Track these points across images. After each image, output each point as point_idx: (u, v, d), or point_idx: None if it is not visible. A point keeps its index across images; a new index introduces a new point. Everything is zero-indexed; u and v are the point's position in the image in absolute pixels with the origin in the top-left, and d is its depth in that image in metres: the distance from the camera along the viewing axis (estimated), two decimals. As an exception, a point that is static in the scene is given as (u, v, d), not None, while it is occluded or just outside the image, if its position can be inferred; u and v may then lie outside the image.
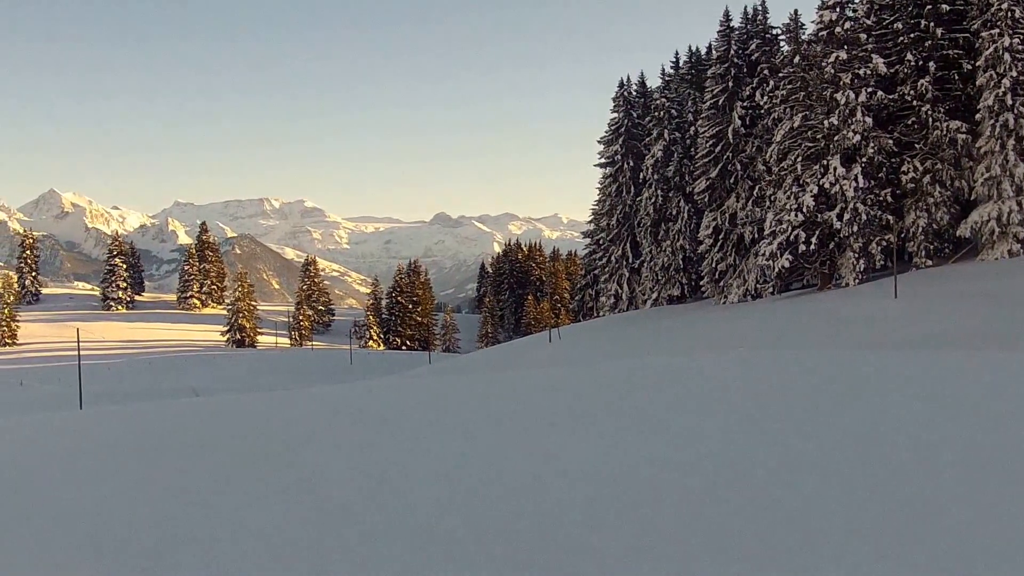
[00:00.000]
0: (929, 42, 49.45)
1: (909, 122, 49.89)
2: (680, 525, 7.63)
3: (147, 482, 11.61)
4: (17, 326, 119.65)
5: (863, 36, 49.90)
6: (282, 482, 10.59)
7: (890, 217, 49.73)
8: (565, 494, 8.91)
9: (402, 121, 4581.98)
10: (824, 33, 50.94)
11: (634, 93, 76.31)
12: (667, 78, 73.10)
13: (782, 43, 58.94)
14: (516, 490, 9.13)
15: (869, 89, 49.01)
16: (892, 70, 50.16)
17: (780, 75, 55.40)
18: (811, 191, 50.04)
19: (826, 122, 49.71)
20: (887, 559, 6.38)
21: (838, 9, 50.58)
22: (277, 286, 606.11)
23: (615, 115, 75.91)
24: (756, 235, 58.23)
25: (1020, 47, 46.26)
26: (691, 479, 9.01)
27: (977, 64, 47.86)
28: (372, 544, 7.81)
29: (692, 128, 66.53)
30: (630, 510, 8.09)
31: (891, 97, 50.11)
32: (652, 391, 16.42)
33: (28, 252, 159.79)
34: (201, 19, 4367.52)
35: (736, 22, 61.81)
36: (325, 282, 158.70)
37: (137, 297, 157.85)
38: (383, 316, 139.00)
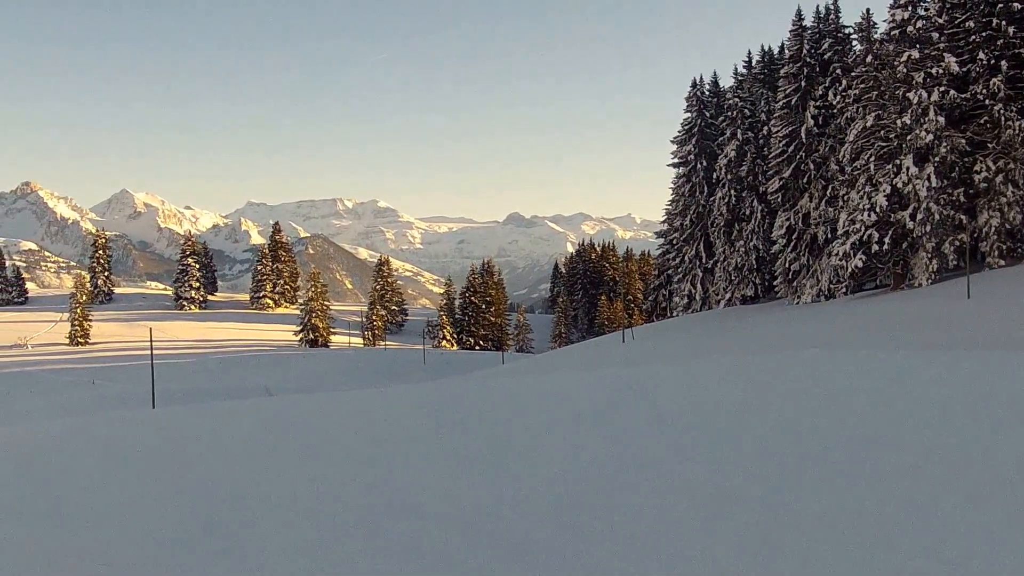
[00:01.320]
0: (1001, 40, 49.14)
1: (981, 121, 49.53)
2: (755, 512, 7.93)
3: (219, 480, 12.12)
4: (90, 325, 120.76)
5: (935, 35, 49.63)
6: (356, 480, 10.93)
7: (963, 217, 49.39)
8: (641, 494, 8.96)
9: (476, 121, 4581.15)
10: (896, 32, 50.76)
11: (707, 93, 76.26)
12: (740, 78, 73.04)
13: (854, 42, 58.67)
14: (607, 492, 9.14)
15: (941, 88, 48.74)
16: (964, 69, 49.84)
17: (852, 74, 55.21)
18: (884, 191, 49.90)
19: (899, 121, 49.54)
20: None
21: (910, 8, 50.37)
22: (350, 286, 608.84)
23: (688, 115, 75.93)
24: (829, 235, 58.06)
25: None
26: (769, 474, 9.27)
27: (1051, 62, 47.61)
28: (449, 544, 7.92)
29: (765, 128, 66.40)
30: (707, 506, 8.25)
31: (963, 96, 49.78)
32: (732, 391, 16.41)
33: (100, 252, 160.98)
34: (275, 22, 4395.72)
35: (808, 21, 61.70)
36: (398, 282, 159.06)
37: (210, 297, 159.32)
38: (456, 316, 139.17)
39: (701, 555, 7.08)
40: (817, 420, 12.20)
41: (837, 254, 52.88)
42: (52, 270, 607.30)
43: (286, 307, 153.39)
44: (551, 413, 16.01)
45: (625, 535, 7.72)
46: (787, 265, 61.28)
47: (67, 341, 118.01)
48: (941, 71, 48.86)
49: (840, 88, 57.31)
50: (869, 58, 52.62)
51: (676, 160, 76.93)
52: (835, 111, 57.96)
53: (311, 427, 17.82)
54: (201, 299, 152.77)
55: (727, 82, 75.51)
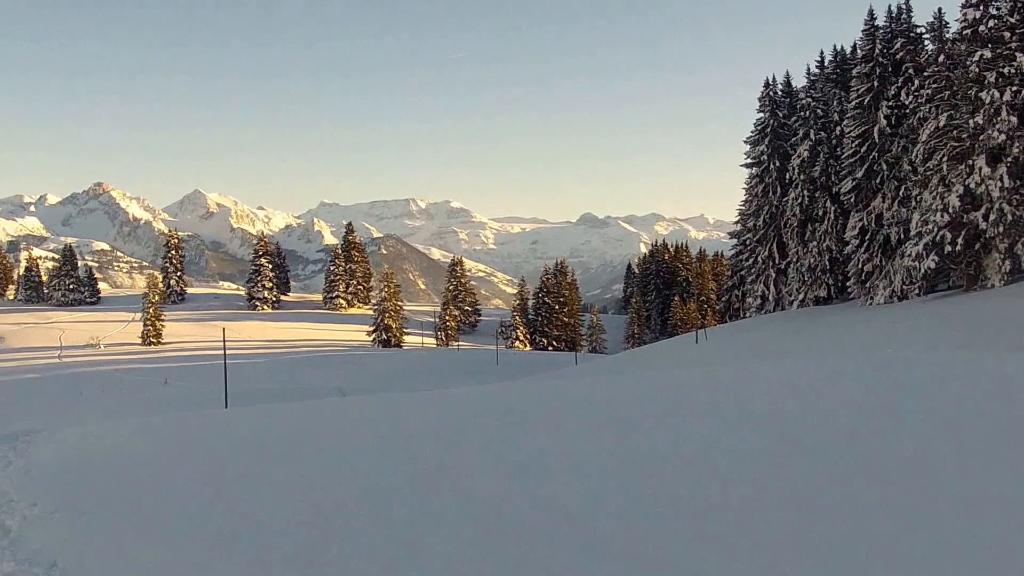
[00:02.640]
0: (1074, 38, 48.89)
1: (1055, 120, 49.28)
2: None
3: (291, 478, 12.61)
4: (162, 325, 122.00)
5: (1007, 34, 49.36)
6: (428, 481, 11.19)
7: (1036, 217, 49.14)
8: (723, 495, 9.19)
9: (548, 122, 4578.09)
10: (968, 32, 50.51)
11: (779, 93, 76.01)
12: (812, 78, 72.73)
13: (926, 42, 58.45)
14: (672, 494, 9.29)
15: (1014, 88, 48.49)
16: (1038, 68, 49.59)
17: (925, 74, 55.05)
18: (957, 191, 49.71)
19: (971, 121, 49.32)
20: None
21: (981, 7, 50.11)
22: (423, 286, 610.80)
23: (761, 115, 75.76)
24: (902, 236, 57.79)
25: None
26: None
27: None
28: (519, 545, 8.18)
29: (838, 128, 66.16)
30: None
31: (1037, 96, 49.53)
32: (808, 392, 16.40)
33: (173, 252, 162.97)
34: (347, 20, 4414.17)
35: (880, 21, 61.46)
36: (471, 282, 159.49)
37: (283, 297, 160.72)
38: (529, 317, 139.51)
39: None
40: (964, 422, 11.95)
41: (910, 255, 52.74)
42: (124, 270, 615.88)
43: (359, 307, 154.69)
44: (618, 413, 16.20)
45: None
46: (860, 266, 61.07)
47: (139, 341, 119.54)
48: (1013, 71, 48.61)
49: (912, 88, 57.13)
50: (941, 58, 52.44)
51: (749, 160, 76.77)
52: (908, 111, 57.73)
53: (384, 427, 18.28)
54: (274, 299, 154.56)
55: (799, 82, 75.25)
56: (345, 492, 11.46)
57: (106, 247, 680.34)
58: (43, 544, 10.37)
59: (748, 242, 78.02)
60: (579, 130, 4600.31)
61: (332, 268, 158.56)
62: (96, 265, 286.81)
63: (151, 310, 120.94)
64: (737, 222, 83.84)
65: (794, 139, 70.48)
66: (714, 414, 14.74)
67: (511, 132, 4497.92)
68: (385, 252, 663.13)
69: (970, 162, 49.61)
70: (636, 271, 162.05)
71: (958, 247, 50.14)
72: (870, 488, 9.11)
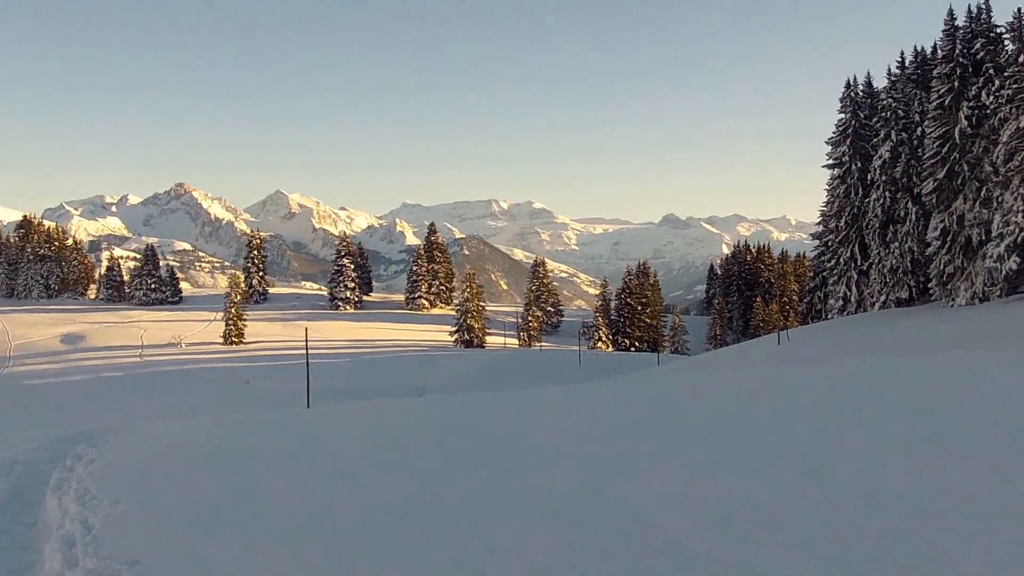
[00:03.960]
0: None
1: None
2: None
3: (370, 477, 12.96)
4: (244, 325, 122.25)
5: (1090, 35, 49.21)
6: (510, 481, 11.45)
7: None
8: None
9: (629, 121, 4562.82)
10: (1049, 32, 50.41)
11: (860, 93, 75.79)
12: (893, 78, 72.43)
13: (1006, 42, 58.18)
14: (757, 498, 9.31)
15: (1095, 88, 48.31)
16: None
17: (1005, 74, 54.87)
18: (1038, 192, 49.57)
19: (1053, 122, 49.21)
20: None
21: (1062, 7, 50.01)
22: (505, 287, 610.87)
23: (842, 116, 75.57)
24: (984, 237, 57.55)
25: None
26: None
27: None
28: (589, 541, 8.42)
29: (919, 129, 65.95)
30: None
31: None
32: (888, 393, 16.74)
33: (255, 252, 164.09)
34: (425, 16, 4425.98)
35: (960, 21, 61.21)
36: (554, 283, 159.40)
37: (365, 297, 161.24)
38: (612, 317, 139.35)
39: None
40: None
41: (991, 256, 52.61)
42: (206, 270, 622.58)
43: (441, 307, 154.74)
44: (702, 413, 16.57)
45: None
46: (941, 267, 60.80)
47: (221, 340, 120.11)
48: (1095, 71, 48.43)
49: (993, 88, 56.89)
50: (1021, 58, 52.28)
51: (831, 161, 76.57)
52: (988, 112, 57.48)
53: (466, 427, 18.54)
54: (356, 299, 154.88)
55: (880, 82, 75.01)
56: (426, 490, 11.56)
57: (188, 247, 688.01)
58: (126, 541, 10.50)
59: (830, 243, 77.80)
60: (660, 128, 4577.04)
61: (414, 268, 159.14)
62: (178, 265, 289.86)
63: (233, 310, 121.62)
64: (819, 223, 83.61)
65: (875, 140, 70.23)
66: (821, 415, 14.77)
67: (592, 130, 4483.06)
68: (467, 253, 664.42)
69: (1051, 163, 49.45)
70: (718, 272, 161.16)
71: (1040, 248, 50.00)
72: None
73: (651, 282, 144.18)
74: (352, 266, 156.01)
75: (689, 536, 8.22)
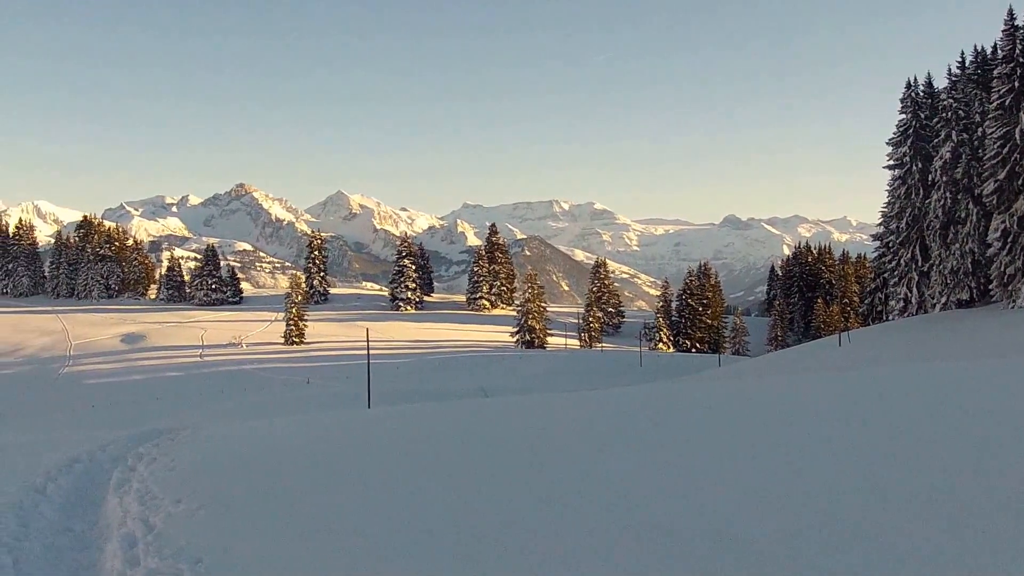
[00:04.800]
0: None
1: None
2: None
3: (437, 477, 12.80)
4: (305, 325, 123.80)
5: None
6: (576, 485, 11.13)
7: None
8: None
9: (691, 121, 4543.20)
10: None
11: (921, 94, 75.61)
12: (953, 78, 72.21)
13: (1066, 42, 57.98)
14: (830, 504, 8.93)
15: None
16: None
17: (1066, 75, 54.74)
18: (1099, 193, 49.43)
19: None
20: None
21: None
22: (566, 288, 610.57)
23: (903, 116, 75.41)
24: (1045, 238, 57.40)
25: None
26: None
27: None
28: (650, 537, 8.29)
29: (980, 129, 65.77)
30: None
31: None
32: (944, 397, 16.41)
33: (316, 253, 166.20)
34: (484, 16, 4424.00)
35: (1020, 20, 60.97)
36: (615, 284, 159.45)
37: (426, 298, 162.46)
38: (673, 318, 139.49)
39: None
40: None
41: (1052, 257, 52.50)
42: (267, 270, 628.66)
43: (503, 308, 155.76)
44: (775, 416, 16.36)
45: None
46: (1002, 269, 60.60)
47: (282, 341, 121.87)
48: None
49: (1053, 89, 56.73)
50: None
51: (891, 162, 76.40)
52: (1049, 112, 57.31)
53: (529, 429, 18.15)
54: (417, 300, 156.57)
55: (941, 83, 74.82)
56: (493, 493, 11.37)
57: (248, 247, 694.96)
58: (187, 541, 10.45)
59: (891, 244, 77.56)
60: (720, 129, 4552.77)
61: (475, 269, 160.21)
62: (238, 265, 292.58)
63: (294, 310, 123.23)
64: (880, 224, 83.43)
65: (936, 141, 70.04)
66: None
67: (653, 130, 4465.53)
68: (528, 253, 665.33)
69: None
70: (779, 273, 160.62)
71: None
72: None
73: (712, 283, 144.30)
74: (413, 267, 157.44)
75: (771, 540, 8.00)
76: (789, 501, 9.13)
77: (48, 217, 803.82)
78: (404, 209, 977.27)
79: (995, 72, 62.32)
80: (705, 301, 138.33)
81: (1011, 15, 61.15)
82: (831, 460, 11.19)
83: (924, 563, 6.91)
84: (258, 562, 9.31)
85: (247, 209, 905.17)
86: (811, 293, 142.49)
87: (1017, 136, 58.83)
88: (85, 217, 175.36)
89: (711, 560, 7.57)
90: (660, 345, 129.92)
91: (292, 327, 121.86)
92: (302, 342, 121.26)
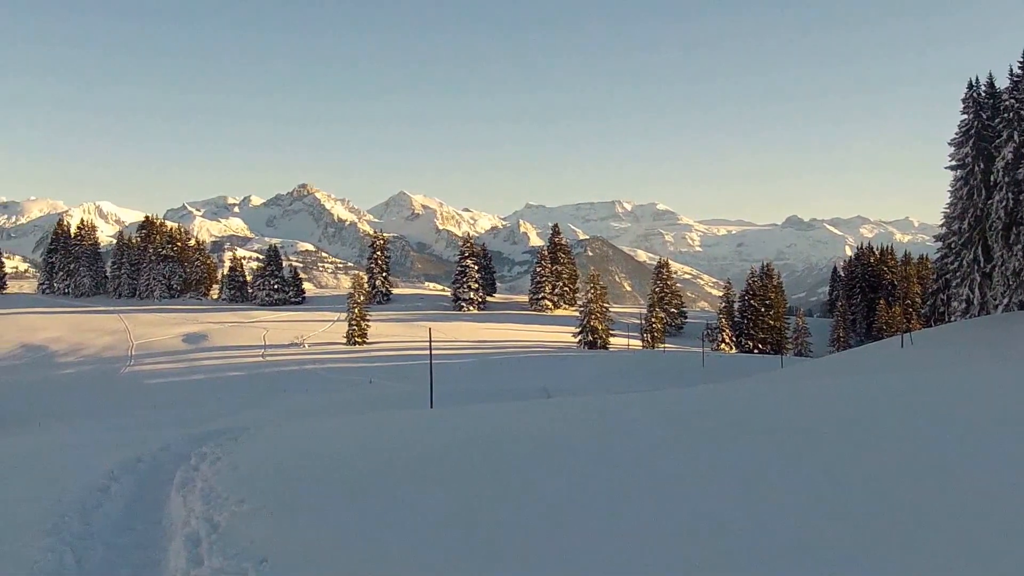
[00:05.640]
0: None
1: None
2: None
3: (501, 477, 13.09)
4: (367, 325, 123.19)
5: None
6: (639, 486, 11.45)
7: None
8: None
9: (753, 121, 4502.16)
10: None
11: (983, 94, 75.54)
12: (1015, 79, 71.94)
13: None
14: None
15: None
16: None
17: None
18: None
19: None
20: None
21: None
22: (629, 288, 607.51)
23: (964, 117, 75.28)
24: (1106, 239, 57.48)
25: None
26: None
27: None
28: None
29: (1042, 130, 65.74)
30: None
31: None
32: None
33: (379, 253, 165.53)
34: (546, 16, 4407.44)
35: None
36: (677, 284, 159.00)
37: (488, 298, 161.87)
38: (735, 319, 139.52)
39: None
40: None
41: (1113, 258, 52.72)
42: (329, 270, 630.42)
43: (565, 308, 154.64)
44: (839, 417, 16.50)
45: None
46: (1064, 270, 60.68)
47: (344, 341, 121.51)
48: None
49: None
50: None
51: (953, 163, 76.34)
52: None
53: (592, 429, 18.23)
54: (480, 300, 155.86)
55: (1002, 83, 74.73)
56: (554, 492, 11.50)
57: (311, 248, 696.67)
58: (252, 540, 10.64)
59: (953, 245, 77.46)
60: (782, 129, 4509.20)
61: (538, 269, 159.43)
62: (301, 265, 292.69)
63: (356, 310, 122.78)
64: (942, 225, 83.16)
65: (998, 141, 70.07)
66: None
67: (715, 130, 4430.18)
68: (591, 254, 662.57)
69: None
70: (841, 274, 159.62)
71: None
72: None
73: (774, 284, 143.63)
74: (476, 267, 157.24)
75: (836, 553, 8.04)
76: (865, 509, 9.15)
77: (110, 218, 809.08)
78: (467, 209, 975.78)
79: (1056, 73, 62.38)
80: (767, 302, 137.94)
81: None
82: (906, 463, 11.40)
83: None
84: (322, 561, 9.53)
85: (309, 209, 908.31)
86: (873, 294, 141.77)
87: (1079, 138, 58.93)
88: (147, 218, 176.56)
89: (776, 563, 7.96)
90: (723, 346, 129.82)
91: (354, 327, 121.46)
92: (364, 342, 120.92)
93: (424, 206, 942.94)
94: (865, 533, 8.39)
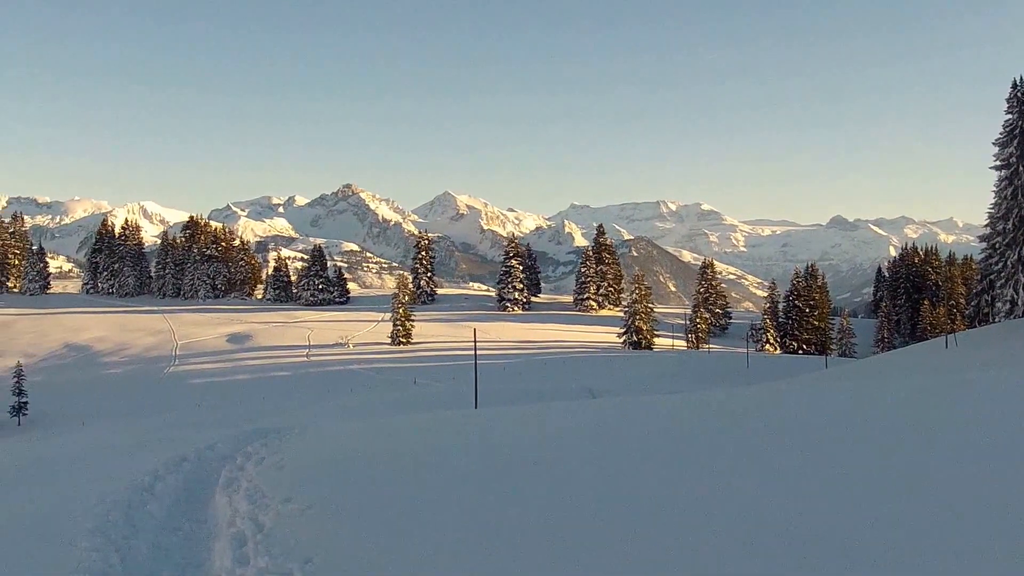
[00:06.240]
0: None
1: None
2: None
3: (543, 477, 12.96)
4: (412, 325, 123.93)
5: None
6: (688, 484, 11.42)
7: None
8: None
9: (798, 121, 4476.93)
10: None
11: (1027, 94, 75.28)
12: (1058, 79, 71.98)
13: None
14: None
15: None
16: None
17: None
18: None
19: None
20: None
21: None
22: (673, 288, 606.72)
23: (1009, 116, 74.98)
24: None
25: None
26: None
27: None
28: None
29: (1086, 131, 65.37)
30: None
31: None
32: None
33: (423, 253, 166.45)
34: (593, 15, 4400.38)
35: None
36: (722, 285, 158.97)
37: (533, 298, 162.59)
38: (780, 320, 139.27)
39: None
40: None
41: None
42: (374, 271, 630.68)
43: (610, 309, 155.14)
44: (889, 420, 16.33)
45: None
46: (1106, 271, 60.32)
47: (389, 341, 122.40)
48: None
49: None
50: None
51: (998, 163, 76.10)
52: None
53: (637, 430, 18.23)
54: (524, 300, 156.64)
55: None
56: (603, 494, 11.42)
57: (355, 248, 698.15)
58: (297, 540, 10.65)
59: (997, 246, 77.16)
60: (826, 128, 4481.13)
61: (583, 270, 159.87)
62: (345, 265, 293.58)
63: (401, 310, 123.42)
64: (986, 225, 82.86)
65: (1043, 141, 69.77)
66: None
67: (761, 129, 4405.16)
68: (635, 254, 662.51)
69: None
70: (886, 275, 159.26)
71: None
72: None
73: (819, 284, 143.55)
74: (520, 267, 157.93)
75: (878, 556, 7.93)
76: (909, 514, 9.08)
77: (154, 218, 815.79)
78: (511, 209, 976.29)
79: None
80: (812, 302, 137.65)
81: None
82: (951, 467, 11.23)
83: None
84: (367, 561, 9.48)
85: (354, 210, 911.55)
86: (917, 295, 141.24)
87: (1122, 139, 58.63)
88: (191, 218, 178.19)
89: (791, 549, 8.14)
90: (767, 347, 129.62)
91: (399, 327, 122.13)
92: (409, 342, 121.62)
93: (469, 206, 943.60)
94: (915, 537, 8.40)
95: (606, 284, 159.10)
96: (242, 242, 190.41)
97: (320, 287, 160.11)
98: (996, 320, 77.01)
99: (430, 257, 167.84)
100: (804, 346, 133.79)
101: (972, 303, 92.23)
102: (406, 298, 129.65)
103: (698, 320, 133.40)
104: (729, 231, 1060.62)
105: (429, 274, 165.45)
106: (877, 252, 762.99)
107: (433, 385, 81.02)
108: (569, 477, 12.87)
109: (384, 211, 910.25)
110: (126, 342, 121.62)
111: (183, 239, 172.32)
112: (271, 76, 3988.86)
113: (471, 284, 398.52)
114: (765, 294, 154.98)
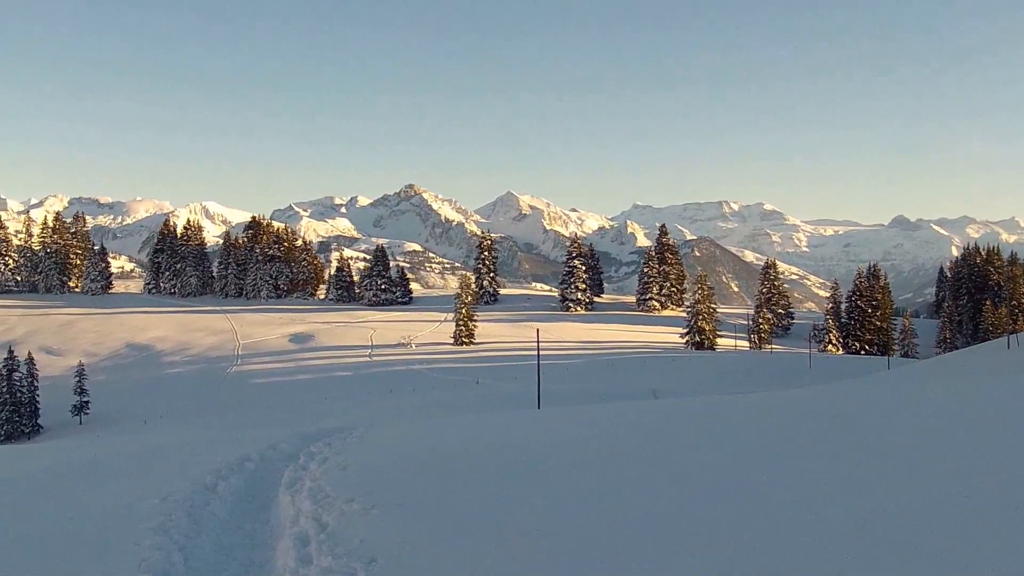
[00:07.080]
0: None
1: None
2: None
3: (609, 478, 13.02)
4: (475, 326, 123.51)
5: None
6: (754, 484, 11.48)
7: None
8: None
9: (860, 120, 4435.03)
10: None
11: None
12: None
13: None
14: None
15: None
16: None
17: None
18: None
19: None
20: None
21: None
22: (736, 289, 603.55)
23: (1071, 119, 74.35)
24: None
25: None
26: None
27: None
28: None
29: None
30: None
31: None
32: None
33: (486, 253, 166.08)
34: (654, 18, 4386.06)
35: None
36: (784, 285, 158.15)
37: (596, 298, 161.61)
38: (842, 320, 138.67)
39: None
40: None
41: None
42: (436, 271, 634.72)
43: (672, 309, 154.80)
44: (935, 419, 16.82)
45: None
46: None
47: (451, 341, 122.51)
48: None
49: None
50: None
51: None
52: None
53: (701, 431, 18.35)
54: (587, 300, 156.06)
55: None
56: (664, 493, 11.55)
57: (418, 248, 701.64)
58: (361, 540, 10.62)
59: (1058, 246, 76.66)
60: (889, 129, 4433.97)
61: (645, 270, 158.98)
62: (408, 266, 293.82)
63: (463, 310, 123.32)
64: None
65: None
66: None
67: (822, 127, 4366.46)
68: (698, 254, 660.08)
69: None
70: (948, 275, 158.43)
71: None
72: None
73: (881, 284, 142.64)
74: (583, 267, 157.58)
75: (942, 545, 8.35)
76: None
77: (216, 218, 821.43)
78: (574, 210, 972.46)
79: None
80: (874, 303, 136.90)
81: None
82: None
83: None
84: (432, 562, 9.50)
85: (416, 210, 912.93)
86: (980, 295, 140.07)
87: None
88: (254, 218, 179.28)
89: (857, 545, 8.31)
90: (829, 347, 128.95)
91: (461, 327, 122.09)
92: (471, 342, 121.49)
93: (531, 206, 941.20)
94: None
95: (669, 284, 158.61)
96: (304, 242, 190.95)
97: (383, 287, 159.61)
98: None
99: (493, 257, 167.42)
100: (866, 347, 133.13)
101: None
102: (469, 298, 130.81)
103: (760, 320, 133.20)
104: (791, 231, 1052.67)
105: (492, 274, 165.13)
106: (939, 252, 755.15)
107: (496, 385, 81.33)
108: (631, 479, 12.92)
109: (447, 211, 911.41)
110: (188, 342, 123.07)
111: (245, 239, 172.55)
112: (335, 76, 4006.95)
113: (533, 284, 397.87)
114: (827, 294, 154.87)
